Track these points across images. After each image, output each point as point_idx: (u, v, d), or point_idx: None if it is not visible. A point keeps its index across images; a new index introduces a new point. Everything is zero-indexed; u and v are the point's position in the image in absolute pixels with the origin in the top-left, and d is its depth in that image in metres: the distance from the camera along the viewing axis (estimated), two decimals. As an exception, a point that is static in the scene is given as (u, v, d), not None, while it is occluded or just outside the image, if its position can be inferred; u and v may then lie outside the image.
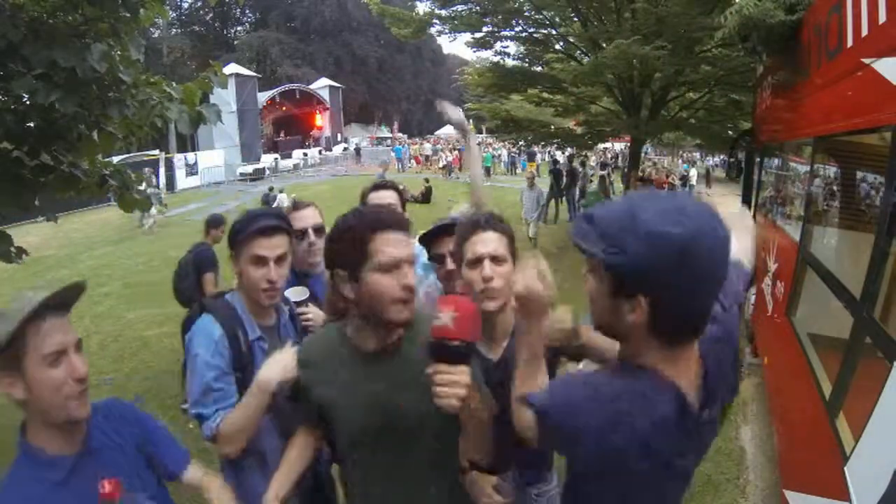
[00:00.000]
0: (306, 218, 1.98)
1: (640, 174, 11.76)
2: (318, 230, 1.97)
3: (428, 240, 1.77)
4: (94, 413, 1.14)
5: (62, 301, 1.07)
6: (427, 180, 15.85)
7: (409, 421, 1.22)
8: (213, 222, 4.45)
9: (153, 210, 12.32)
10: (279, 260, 1.52)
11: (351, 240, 1.16)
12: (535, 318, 1.02)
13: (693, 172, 19.63)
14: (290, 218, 1.97)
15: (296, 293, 1.76)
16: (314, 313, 1.71)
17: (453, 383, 1.03)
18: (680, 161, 25.26)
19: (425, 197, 14.85)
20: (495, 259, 1.39)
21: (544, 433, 0.95)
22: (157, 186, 13.28)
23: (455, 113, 2.37)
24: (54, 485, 1.05)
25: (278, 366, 1.39)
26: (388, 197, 2.16)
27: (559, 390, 0.98)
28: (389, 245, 1.15)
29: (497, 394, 1.21)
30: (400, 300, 1.16)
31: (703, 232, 0.78)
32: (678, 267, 0.77)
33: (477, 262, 1.39)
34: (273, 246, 1.51)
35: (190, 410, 1.48)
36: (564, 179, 12.70)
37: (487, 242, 1.40)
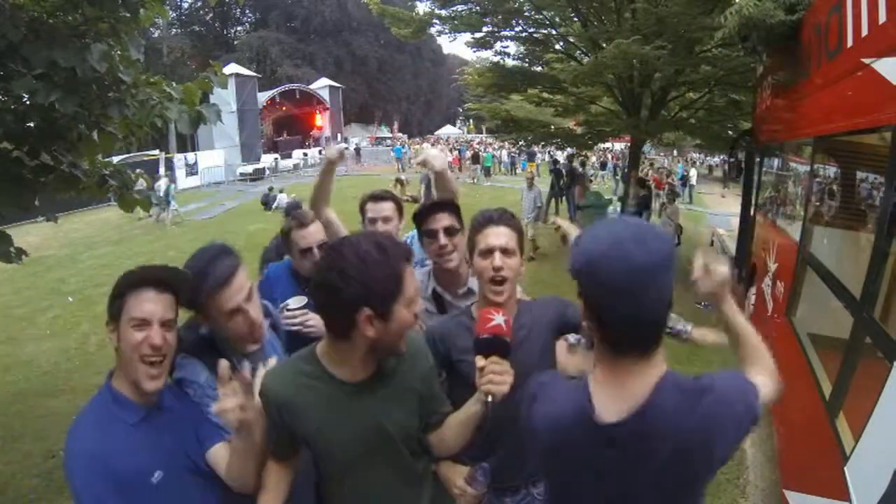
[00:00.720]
0: (312, 235, 2.00)
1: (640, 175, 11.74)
2: (322, 246, 1.96)
3: (421, 216, 1.85)
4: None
5: (162, 279, 1.25)
6: (402, 181, 15.90)
7: (398, 440, 1.27)
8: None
9: (173, 203, 12.92)
10: (249, 297, 1.41)
11: (387, 276, 1.13)
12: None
13: (693, 172, 19.62)
14: (294, 236, 1.97)
15: (297, 301, 1.76)
16: (315, 319, 1.67)
17: (506, 373, 1.19)
18: (677, 163, 25.24)
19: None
20: (506, 251, 1.48)
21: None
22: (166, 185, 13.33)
23: None
24: (129, 425, 1.23)
25: (230, 399, 1.30)
26: (386, 209, 2.18)
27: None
28: (411, 277, 1.21)
29: None
30: (410, 327, 1.24)
31: (610, 254, 0.90)
32: (588, 279, 0.94)
33: (489, 252, 1.48)
34: (238, 289, 1.38)
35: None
36: (564, 179, 12.72)
37: (500, 236, 1.50)
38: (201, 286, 1.34)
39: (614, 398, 0.97)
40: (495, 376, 1.18)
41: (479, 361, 1.21)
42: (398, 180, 15.79)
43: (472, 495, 1.28)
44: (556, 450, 1.04)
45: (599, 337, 0.99)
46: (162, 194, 11.89)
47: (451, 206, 1.86)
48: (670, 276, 0.92)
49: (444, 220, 1.80)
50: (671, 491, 0.98)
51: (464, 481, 1.29)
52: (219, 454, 1.33)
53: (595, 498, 1.03)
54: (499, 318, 1.23)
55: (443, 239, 1.77)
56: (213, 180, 21.30)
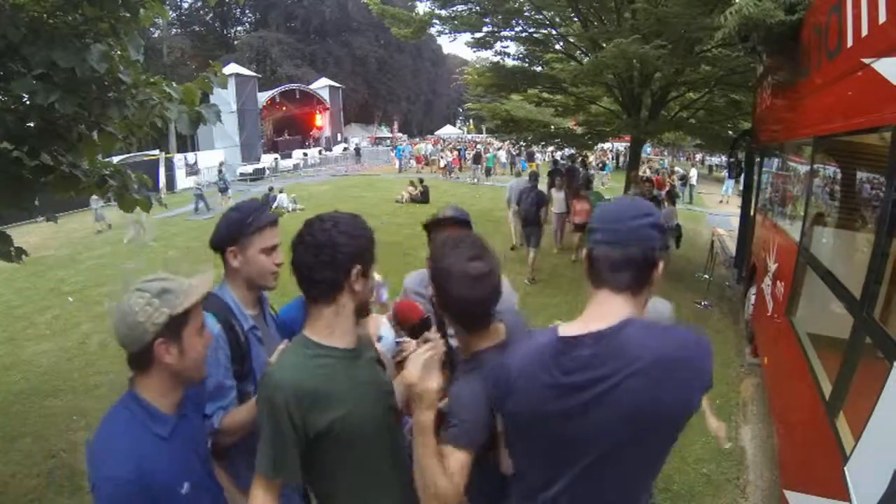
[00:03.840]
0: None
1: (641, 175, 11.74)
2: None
3: (431, 227, 1.95)
4: None
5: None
6: (422, 181, 15.92)
7: (392, 403, 1.41)
8: None
9: (143, 217, 12.71)
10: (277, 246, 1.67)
11: (368, 238, 1.30)
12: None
13: (693, 172, 19.61)
14: None
15: (387, 329, 1.97)
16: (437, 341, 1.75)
17: (432, 340, 1.30)
18: (676, 165, 25.25)
19: (423, 197, 14.88)
20: None
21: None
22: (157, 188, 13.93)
23: None
24: (161, 439, 1.22)
25: None
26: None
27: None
28: None
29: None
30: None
31: (622, 203, 1.18)
32: (601, 222, 1.14)
33: None
34: (276, 234, 1.67)
35: None
36: (579, 179, 12.70)
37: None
38: (254, 220, 1.61)
39: (582, 323, 1.09)
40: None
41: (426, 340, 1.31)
42: (412, 182, 15.90)
43: None
44: (523, 390, 1.10)
45: (589, 272, 1.13)
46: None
47: (465, 224, 1.95)
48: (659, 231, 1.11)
49: (451, 232, 1.78)
50: (632, 430, 1.02)
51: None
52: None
53: (555, 433, 1.08)
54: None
55: None
56: (213, 180, 21.29)
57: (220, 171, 17.33)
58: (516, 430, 1.17)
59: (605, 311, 1.08)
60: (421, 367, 1.21)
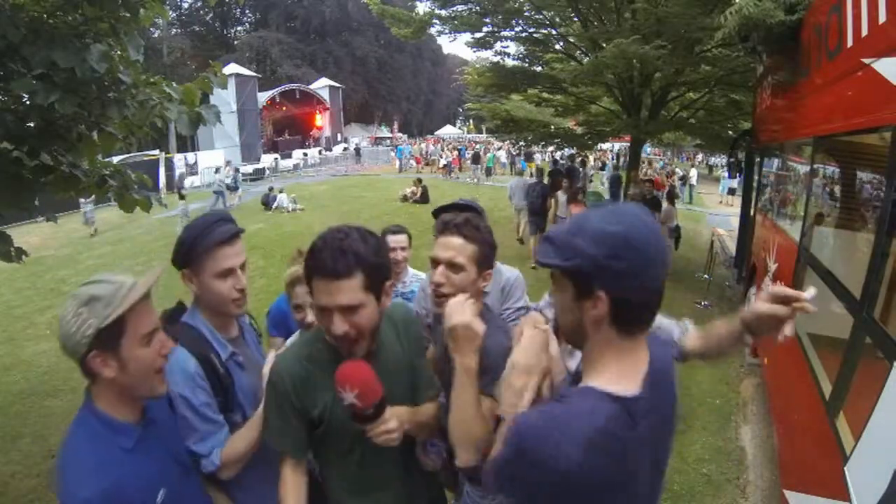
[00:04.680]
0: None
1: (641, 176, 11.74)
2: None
3: (439, 215, 1.86)
4: None
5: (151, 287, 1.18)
6: (420, 181, 15.92)
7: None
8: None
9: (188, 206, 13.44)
10: (243, 267, 1.47)
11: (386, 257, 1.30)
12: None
13: (693, 172, 19.63)
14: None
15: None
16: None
17: (386, 432, 1.21)
18: (675, 166, 25.25)
19: (423, 197, 14.87)
20: (452, 266, 1.36)
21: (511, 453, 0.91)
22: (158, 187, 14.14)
23: None
24: (125, 451, 1.13)
25: None
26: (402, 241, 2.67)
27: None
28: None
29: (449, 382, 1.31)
30: None
31: (637, 225, 0.90)
32: (624, 256, 0.88)
33: (434, 263, 1.40)
34: (236, 253, 1.44)
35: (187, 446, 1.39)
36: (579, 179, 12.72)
37: (448, 248, 1.38)
38: (203, 240, 1.39)
39: (625, 377, 0.93)
40: (381, 440, 1.21)
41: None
42: (416, 182, 15.93)
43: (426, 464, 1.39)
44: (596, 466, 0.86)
45: (616, 320, 0.92)
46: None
47: (476, 212, 1.86)
48: None
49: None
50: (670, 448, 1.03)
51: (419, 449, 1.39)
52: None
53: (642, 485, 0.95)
54: (349, 398, 1.15)
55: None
56: (213, 180, 21.30)
57: (235, 170, 18.31)
58: None
59: (642, 355, 0.97)
60: (468, 310, 1.18)
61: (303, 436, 1.31)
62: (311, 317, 1.80)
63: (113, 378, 1.10)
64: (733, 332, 1.20)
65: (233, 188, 16.18)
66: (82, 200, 11.51)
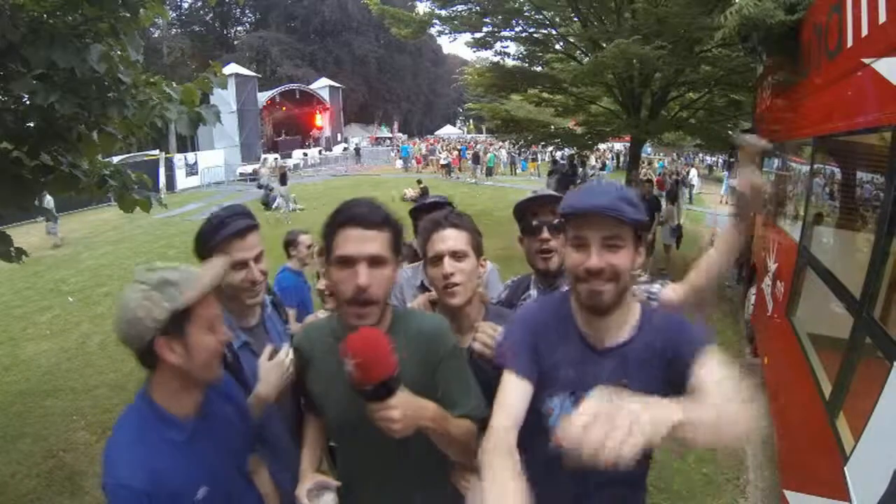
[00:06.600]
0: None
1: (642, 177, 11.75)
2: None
3: (417, 213, 1.90)
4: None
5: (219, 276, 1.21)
6: (420, 181, 15.95)
7: None
8: (290, 242, 3.56)
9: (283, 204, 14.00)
10: (258, 259, 1.50)
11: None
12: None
13: (693, 172, 19.65)
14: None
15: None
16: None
17: (387, 419, 1.03)
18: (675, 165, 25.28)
19: (423, 197, 14.88)
20: (455, 255, 1.41)
21: None
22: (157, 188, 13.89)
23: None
24: (178, 445, 1.13)
25: (273, 377, 1.41)
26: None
27: None
28: None
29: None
30: None
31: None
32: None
33: (437, 259, 1.43)
34: (249, 246, 1.48)
35: None
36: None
37: (446, 239, 1.43)
38: (219, 232, 1.43)
39: None
40: (381, 423, 1.05)
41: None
42: (419, 182, 15.98)
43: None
44: None
45: None
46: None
47: (448, 207, 1.86)
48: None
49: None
50: None
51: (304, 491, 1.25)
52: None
53: None
54: (349, 366, 1.01)
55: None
56: (213, 180, 21.30)
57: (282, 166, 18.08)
58: None
59: None
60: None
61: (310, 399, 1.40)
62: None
63: (177, 365, 1.10)
64: (721, 246, 1.31)
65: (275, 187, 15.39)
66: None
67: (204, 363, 1.14)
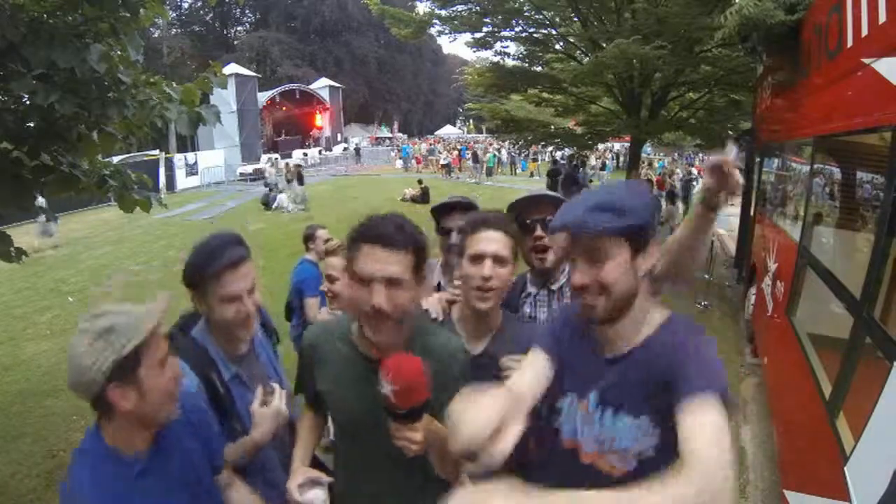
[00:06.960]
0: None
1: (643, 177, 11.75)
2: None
3: (439, 212, 1.88)
4: None
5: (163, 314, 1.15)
6: (420, 181, 15.96)
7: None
8: (309, 237, 3.73)
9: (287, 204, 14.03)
10: (251, 291, 1.43)
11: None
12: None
13: (694, 172, 19.66)
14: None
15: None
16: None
17: (408, 440, 1.08)
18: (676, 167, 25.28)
19: (423, 197, 14.89)
20: (497, 259, 1.38)
21: None
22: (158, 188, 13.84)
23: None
24: (130, 480, 1.10)
25: (267, 424, 1.41)
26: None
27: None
28: None
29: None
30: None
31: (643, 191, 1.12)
32: (651, 206, 1.06)
33: (479, 258, 1.39)
34: (242, 276, 1.40)
35: None
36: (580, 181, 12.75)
37: (492, 241, 1.39)
38: (210, 264, 1.36)
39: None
40: (399, 443, 1.09)
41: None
42: (420, 182, 15.98)
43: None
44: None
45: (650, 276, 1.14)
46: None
47: (472, 208, 1.82)
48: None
49: (459, 219, 1.66)
50: None
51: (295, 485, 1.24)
52: (227, 472, 1.35)
53: None
54: (386, 389, 1.04)
55: (455, 238, 1.60)
56: (213, 180, 21.29)
57: (297, 166, 17.46)
58: None
59: None
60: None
61: (319, 397, 1.40)
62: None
63: (130, 410, 1.06)
64: (693, 223, 1.23)
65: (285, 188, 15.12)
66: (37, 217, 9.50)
67: (159, 403, 1.10)
